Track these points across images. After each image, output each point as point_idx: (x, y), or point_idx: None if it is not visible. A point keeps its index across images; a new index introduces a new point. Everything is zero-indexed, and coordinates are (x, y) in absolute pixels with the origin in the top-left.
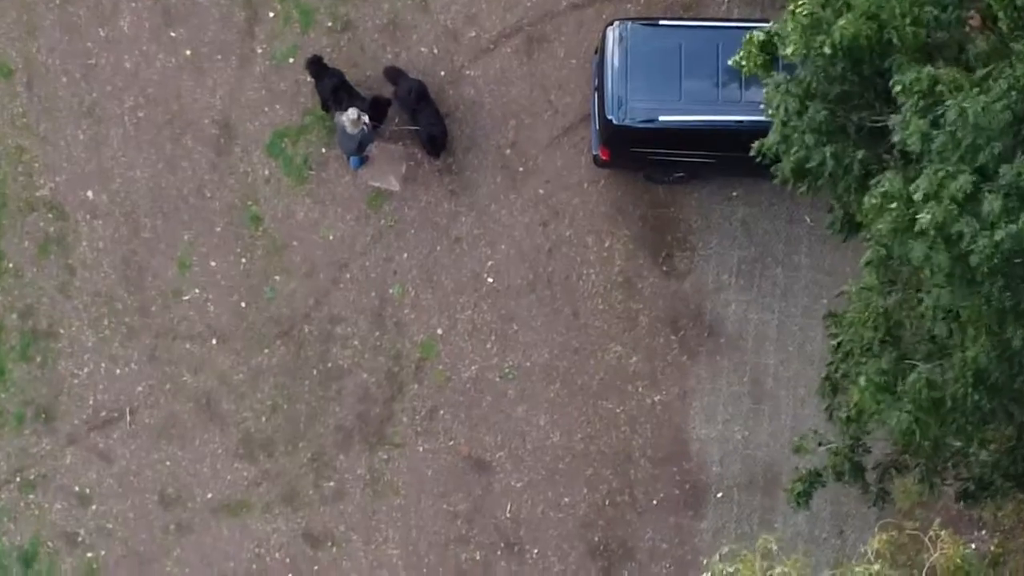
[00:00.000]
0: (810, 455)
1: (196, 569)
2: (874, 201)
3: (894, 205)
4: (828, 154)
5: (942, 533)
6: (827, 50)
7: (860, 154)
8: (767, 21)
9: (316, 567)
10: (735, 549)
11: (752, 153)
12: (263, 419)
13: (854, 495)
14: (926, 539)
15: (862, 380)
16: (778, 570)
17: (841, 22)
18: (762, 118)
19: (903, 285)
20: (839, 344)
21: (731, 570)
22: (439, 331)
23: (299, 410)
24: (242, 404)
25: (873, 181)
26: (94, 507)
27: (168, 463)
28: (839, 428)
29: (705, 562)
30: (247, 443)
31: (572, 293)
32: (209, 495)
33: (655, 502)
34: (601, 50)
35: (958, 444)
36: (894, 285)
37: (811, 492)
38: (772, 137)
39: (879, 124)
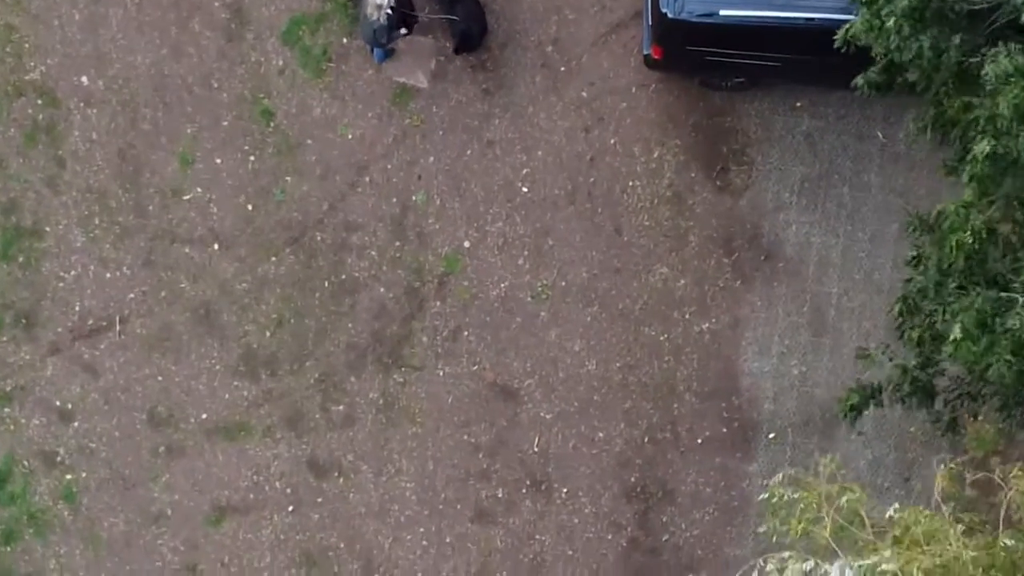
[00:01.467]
0: (875, 367)
1: (186, 496)
2: (996, 75)
3: (1013, 82)
4: (925, 44)
5: (1015, 468)
6: None
7: (957, 39)
8: None
9: (320, 499)
10: (795, 473)
11: (836, 44)
12: (267, 334)
13: (920, 440)
14: (997, 475)
15: (957, 330)
16: (845, 497)
17: None
18: (835, 16)
19: (1006, 200)
20: (919, 258)
21: (794, 495)
22: (466, 244)
23: (307, 325)
24: (244, 316)
25: (990, 53)
26: (76, 424)
27: (160, 379)
28: (909, 348)
29: (762, 497)
30: (248, 360)
31: (615, 207)
32: (204, 416)
33: (700, 441)
34: None
35: None
36: (993, 202)
37: (863, 407)
38: (859, 24)
39: (978, 6)
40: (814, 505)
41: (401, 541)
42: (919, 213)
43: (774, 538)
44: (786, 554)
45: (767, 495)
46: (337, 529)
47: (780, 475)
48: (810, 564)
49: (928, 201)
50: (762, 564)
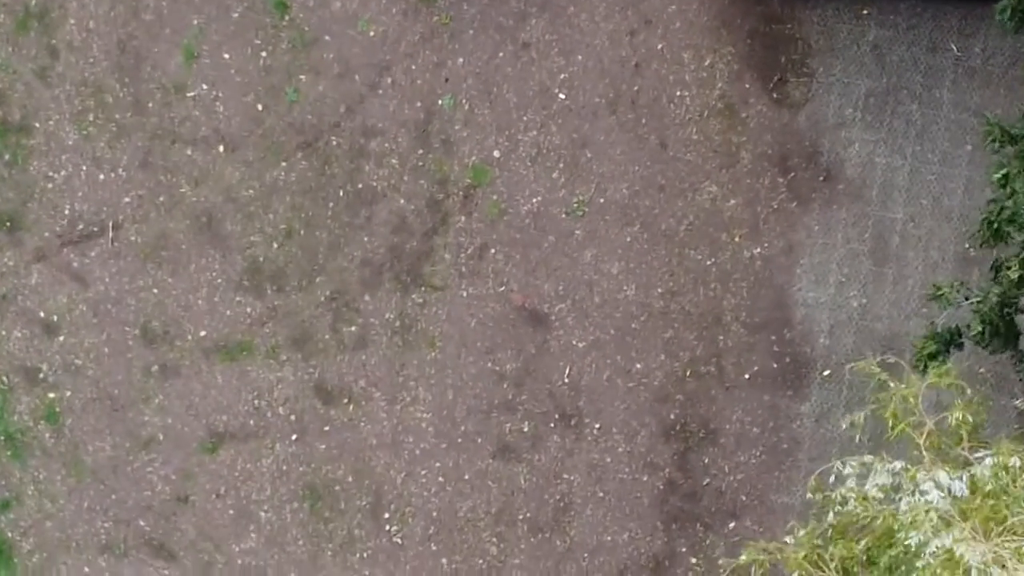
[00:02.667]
0: (951, 308)
1: (180, 420)
2: None
3: None
4: None
5: None
6: None
7: None
8: None
9: (327, 427)
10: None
11: None
12: (274, 246)
13: (990, 382)
14: None
15: None
16: (958, 414)
17: None
18: None
19: None
20: (1006, 177)
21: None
22: (496, 154)
23: (319, 238)
24: (250, 226)
25: None
26: (61, 338)
27: (155, 291)
28: (1006, 285)
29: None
30: (253, 273)
31: (661, 118)
32: (202, 333)
33: (747, 377)
34: None
35: None
36: None
37: (942, 355)
38: None
39: None
40: (913, 402)
41: (415, 476)
42: (1001, 122)
43: (858, 437)
44: (868, 457)
45: (874, 383)
46: (345, 461)
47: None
48: (898, 465)
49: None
50: (840, 466)
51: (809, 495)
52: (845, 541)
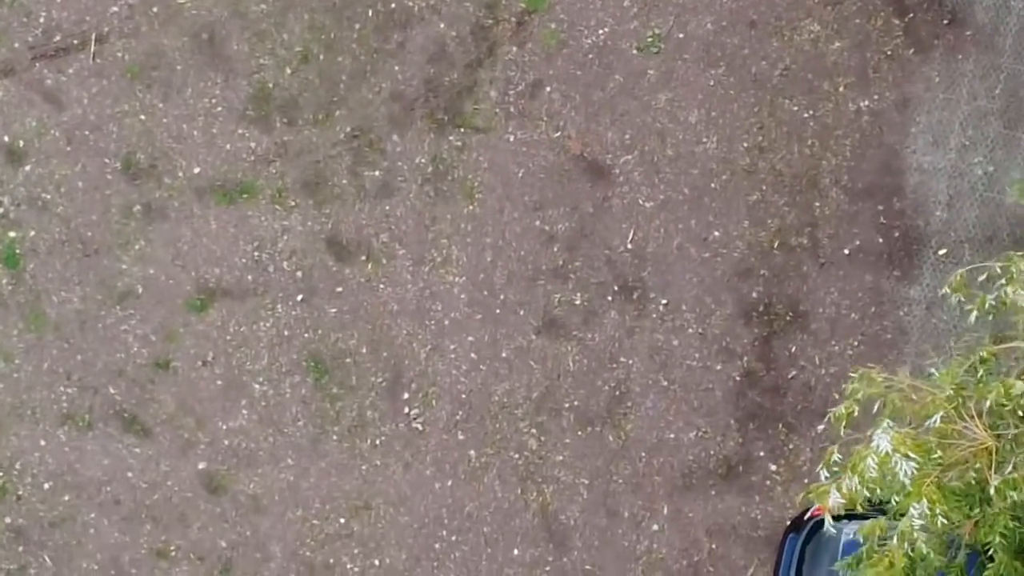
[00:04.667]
0: None
1: (164, 271)
2: None
3: None
4: None
5: None
6: None
7: None
8: None
9: (339, 288)
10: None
11: None
12: (287, 71)
13: None
14: None
15: None
16: None
17: None
18: None
19: None
20: None
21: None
22: None
23: (341, 64)
24: (259, 46)
25: None
26: (28, 168)
27: (142, 118)
28: None
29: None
30: (260, 102)
31: None
32: (196, 169)
33: (846, 252)
34: None
35: None
36: None
37: None
38: None
39: None
40: None
41: (442, 351)
42: None
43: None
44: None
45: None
46: (359, 329)
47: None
48: None
49: None
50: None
51: (946, 291)
52: (1003, 380)
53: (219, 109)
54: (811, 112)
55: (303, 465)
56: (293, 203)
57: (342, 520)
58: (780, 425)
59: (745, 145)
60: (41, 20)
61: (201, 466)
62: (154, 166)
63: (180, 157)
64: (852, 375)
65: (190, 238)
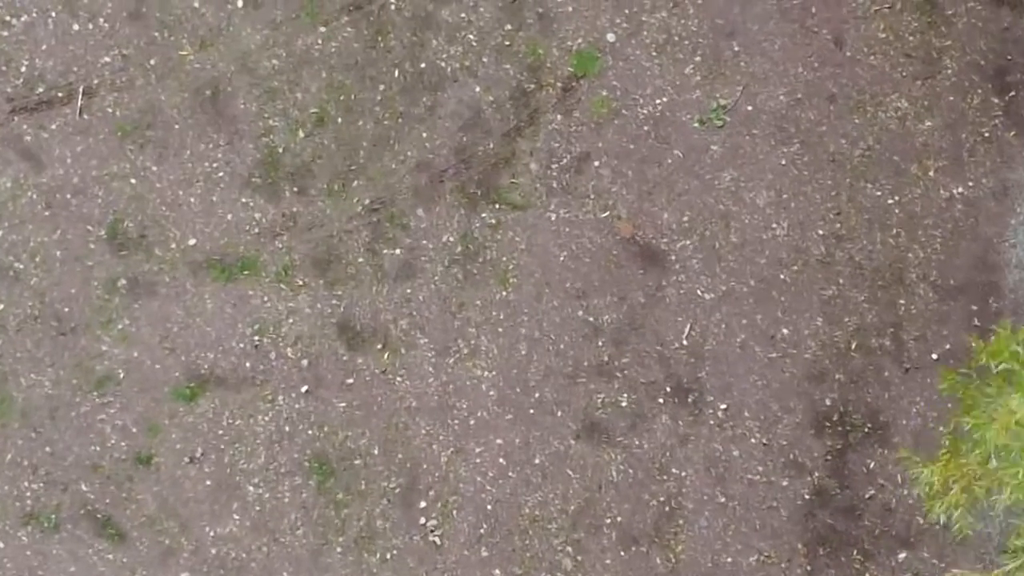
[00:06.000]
0: None
1: (149, 354)
2: None
3: None
4: None
5: None
6: None
7: None
8: None
9: (350, 380)
10: None
11: None
12: (300, 134)
13: None
14: None
15: None
16: None
17: None
18: None
19: None
20: None
21: None
22: (610, 37)
23: (361, 128)
24: (269, 106)
25: None
26: (1, 232)
27: (133, 181)
28: None
29: None
30: (268, 168)
31: (837, 6)
32: (192, 241)
33: (935, 356)
34: None
35: None
36: None
37: None
38: None
39: None
40: None
41: (466, 454)
42: None
43: None
44: None
45: None
46: (371, 427)
47: None
48: None
49: None
50: None
51: None
52: None
53: (220, 174)
54: (896, 198)
55: None
56: (301, 282)
57: None
58: (855, 552)
59: (820, 233)
60: (23, 69)
61: None
62: (144, 236)
63: (174, 227)
64: None
65: (181, 318)
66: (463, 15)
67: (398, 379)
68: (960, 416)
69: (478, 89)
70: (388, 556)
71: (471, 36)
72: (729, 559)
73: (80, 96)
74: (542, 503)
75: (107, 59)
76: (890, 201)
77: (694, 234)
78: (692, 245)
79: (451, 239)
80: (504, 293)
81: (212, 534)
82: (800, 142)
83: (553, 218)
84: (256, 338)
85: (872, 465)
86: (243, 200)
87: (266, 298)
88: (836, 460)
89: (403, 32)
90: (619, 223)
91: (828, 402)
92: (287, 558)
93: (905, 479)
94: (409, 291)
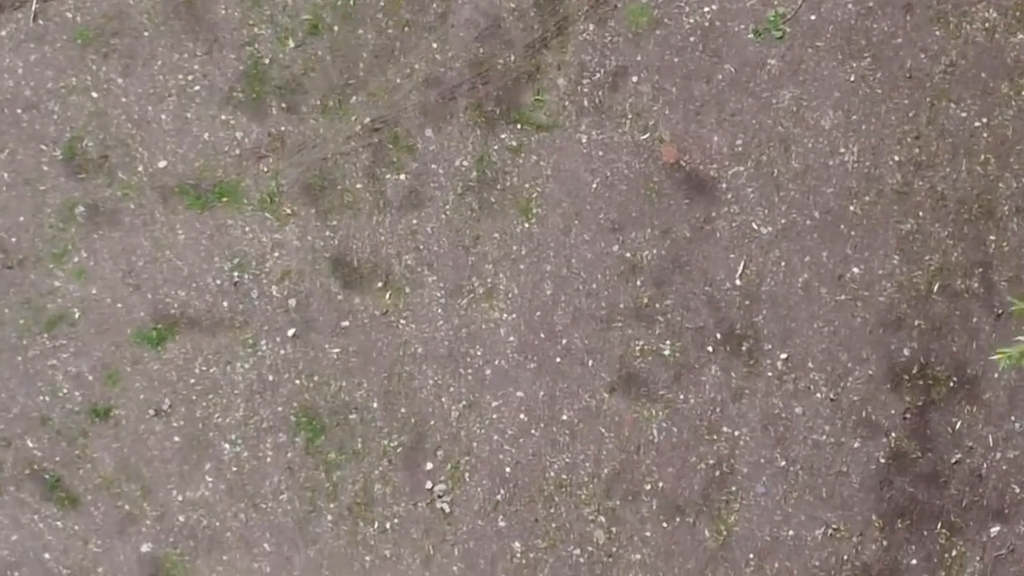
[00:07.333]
0: None
1: (110, 291)
2: None
3: None
4: None
5: None
6: None
7: None
8: None
9: (345, 322)
10: None
11: None
12: (289, 43)
13: None
14: None
15: None
16: None
17: None
18: None
19: None
20: None
21: None
22: None
23: (361, 38)
24: (255, 12)
25: None
26: None
27: (94, 95)
28: None
29: None
30: (252, 81)
31: None
32: (162, 163)
33: None
34: None
35: None
36: None
37: None
38: None
39: None
40: None
41: (481, 409)
42: None
43: None
44: None
45: None
46: (370, 377)
47: None
48: None
49: None
50: None
51: None
52: None
53: (197, 88)
54: (984, 120)
55: (285, 553)
56: (289, 211)
57: None
58: (939, 525)
59: (896, 159)
60: None
61: (145, 548)
62: (106, 157)
63: (141, 147)
64: None
65: (148, 251)
66: None
67: (402, 322)
68: None
69: None
70: (387, 526)
71: None
72: (790, 532)
73: None
74: (570, 466)
75: None
76: (977, 124)
77: (748, 160)
78: (746, 172)
79: (465, 163)
80: (526, 225)
81: (180, 499)
82: (872, 56)
83: (584, 140)
84: (236, 274)
85: (958, 425)
86: (223, 118)
87: (248, 229)
88: (916, 419)
89: None
90: (661, 147)
91: (906, 352)
92: (268, 527)
93: (997, 441)
94: (415, 222)
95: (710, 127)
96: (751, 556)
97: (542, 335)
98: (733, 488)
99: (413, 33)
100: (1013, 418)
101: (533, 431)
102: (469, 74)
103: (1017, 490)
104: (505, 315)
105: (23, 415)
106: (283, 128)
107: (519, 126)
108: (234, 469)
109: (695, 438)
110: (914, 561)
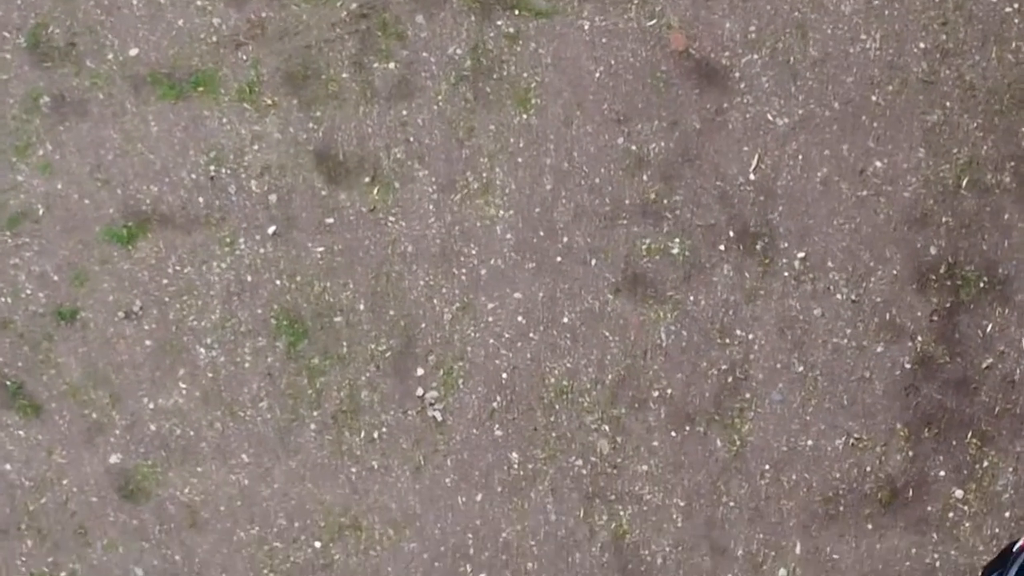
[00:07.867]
0: None
1: (77, 185)
2: None
3: None
4: None
5: None
6: None
7: None
8: None
9: (330, 219)
10: None
11: None
12: None
13: None
14: None
15: None
16: None
17: None
18: None
19: None
20: None
21: None
22: None
23: None
24: None
25: None
26: None
27: None
28: None
29: None
30: None
31: None
32: (133, 51)
33: None
34: None
35: None
36: None
37: None
38: None
39: None
40: None
41: (476, 311)
42: None
43: None
44: None
45: None
46: (356, 277)
47: None
48: None
49: None
50: None
51: None
52: None
53: None
54: (1016, 6)
55: (264, 464)
56: (269, 101)
57: (317, 544)
58: (969, 434)
59: (921, 46)
60: None
61: (114, 460)
62: (73, 44)
63: (111, 34)
64: None
65: (118, 143)
66: None
67: (391, 219)
68: None
69: None
70: (375, 435)
71: None
72: (809, 442)
73: None
74: (572, 372)
75: None
76: (1008, 9)
77: (763, 47)
78: (761, 60)
79: (459, 51)
80: (524, 116)
81: (151, 407)
82: None
83: (586, 27)
84: (212, 168)
85: (989, 328)
86: (198, 3)
87: (225, 120)
88: (944, 321)
89: None
90: (669, 33)
91: (933, 250)
92: (247, 437)
93: None
94: (405, 113)
95: (721, 12)
96: (767, 467)
97: (541, 233)
98: (747, 395)
99: None
100: None
101: (532, 335)
102: None
103: None
104: (501, 212)
105: None
106: (263, 14)
107: (516, 12)
108: (210, 375)
109: (706, 342)
110: (942, 473)
